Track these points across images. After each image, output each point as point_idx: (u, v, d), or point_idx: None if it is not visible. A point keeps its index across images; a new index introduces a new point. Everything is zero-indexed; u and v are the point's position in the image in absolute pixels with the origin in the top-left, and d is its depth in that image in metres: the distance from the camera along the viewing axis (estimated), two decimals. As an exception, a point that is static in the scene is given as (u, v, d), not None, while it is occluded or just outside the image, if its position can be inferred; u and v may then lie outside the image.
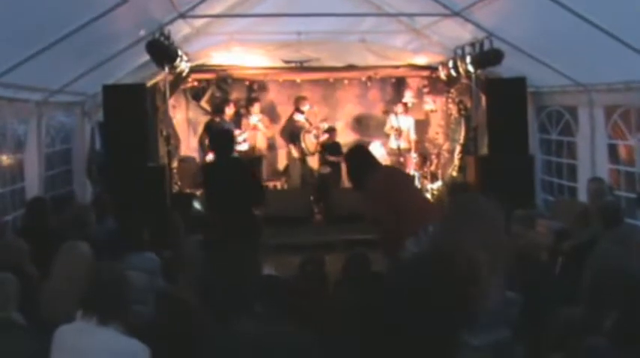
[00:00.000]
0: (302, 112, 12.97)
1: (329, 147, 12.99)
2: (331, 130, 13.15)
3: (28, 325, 4.23)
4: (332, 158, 12.85)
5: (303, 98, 13.09)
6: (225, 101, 12.80)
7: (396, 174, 6.94)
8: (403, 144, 12.90)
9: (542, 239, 6.93)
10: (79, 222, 6.38)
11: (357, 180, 6.23)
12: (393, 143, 12.98)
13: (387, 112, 13.50)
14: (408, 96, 13.91)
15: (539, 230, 7.31)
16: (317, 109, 13.44)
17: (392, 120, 13.05)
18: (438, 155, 13.56)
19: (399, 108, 13.17)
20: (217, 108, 12.88)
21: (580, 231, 6.65)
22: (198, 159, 12.95)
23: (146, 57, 8.83)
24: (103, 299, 3.65)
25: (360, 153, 6.59)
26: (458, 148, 13.24)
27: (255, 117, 12.73)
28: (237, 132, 12.16)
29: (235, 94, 13.58)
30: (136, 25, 8.27)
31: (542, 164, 10.59)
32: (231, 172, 7.44)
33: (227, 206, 7.19)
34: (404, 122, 13.03)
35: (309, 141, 12.90)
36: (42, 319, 4.45)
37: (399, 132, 12.88)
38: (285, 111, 13.67)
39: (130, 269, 4.69)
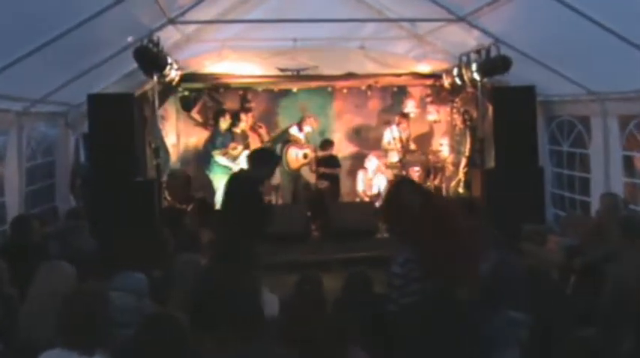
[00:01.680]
0: (301, 129, 12.95)
1: (325, 160, 12.96)
2: (328, 144, 13.11)
3: (6, 350, 4.16)
4: (326, 170, 12.83)
5: (311, 117, 13.09)
6: (221, 112, 12.74)
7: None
8: (400, 157, 12.88)
9: (553, 256, 6.92)
10: (61, 240, 6.33)
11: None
12: (393, 157, 12.95)
13: (388, 123, 13.47)
14: (410, 106, 13.87)
15: (550, 246, 7.30)
16: (314, 121, 13.36)
17: (387, 135, 13.03)
18: (442, 168, 13.51)
19: (397, 119, 13.18)
20: (210, 120, 12.86)
21: (593, 247, 6.59)
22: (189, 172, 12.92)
23: (134, 65, 8.84)
24: (85, 326, 3.59)
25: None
26: (463, 161, 13.21)
27: (242, 125, 12.75)
28: (231, 145, 12.15)
29: (228, 104, 13.54)
30: (124, 31, 8.28)
31: (553, 177, 10.58)
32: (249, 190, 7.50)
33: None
34: (404, 134, 13.02)
35: (292, 157, 12.85)
36: (21, 344, 4.39)
37: (401, 144, 12.86)
38: (280, 121, 13.68)
39: (116, 290, 4.65)
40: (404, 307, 4.19)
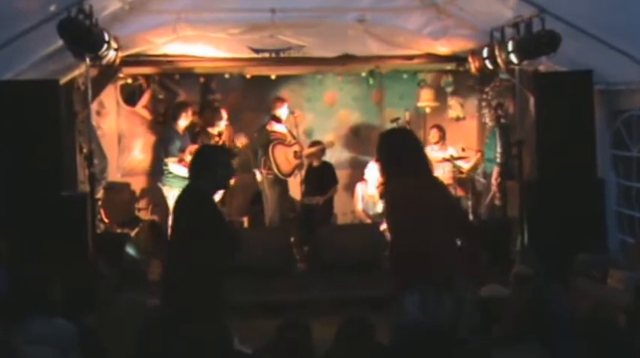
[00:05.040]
0: (280, 121, 12.87)
1: (315, 171, 12.93)
2: (318, 146, 13.07)
3: None
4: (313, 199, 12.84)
5: (280, 100, 13.02)
6: (181, 106, 12.64)
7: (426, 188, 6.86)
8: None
9: (618, 295, 6.90)
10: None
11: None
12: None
13: (396, 121, 13.46)
14: (425, 99, 13.89)
15: (613, 283, 7.30)
16: (298, 115, 13.32)
17: None
18: (471, 181, 13.46)
19: (407, 115, 13.22)
20: (160, 116, 12.81)
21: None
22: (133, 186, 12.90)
23: (59, 42, 8.77)
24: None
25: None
26: (495, 170, 13.18)
27: (222, 124, 12.66)
28: (192, 148, 12.05)
29: (184, 96, 13.50)
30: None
31: (618, 192, 10.51)
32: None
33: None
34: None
35: (282, 159, 12.75)
36: None
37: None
38: (253, 120, 13.61)
39: (33, 342, 4.64)
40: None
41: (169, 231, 7.41)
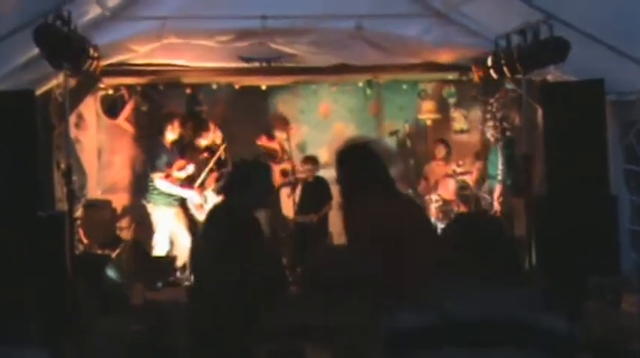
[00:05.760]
0: (273, 137, 12.87)
1: (309, 187, 12.90)
2: (310, 163, 13.05)
3: None
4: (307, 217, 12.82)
5: (285, 123, 12.99)
6: (167, 118, 12.58)
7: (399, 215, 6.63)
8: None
9: (632, 320, 6.87)
10: None
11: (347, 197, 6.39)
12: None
13: (395, 133, 13.44)
14: (426, 110, 13.88)
15: (628, 308, 7.25)
16: (291, 128, 13.30)
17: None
18: (476, 198, 13.43)
19: (406, 127, 13.21)
20: (143, 130, 12.77)
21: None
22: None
23: (35, 50, 8.75)
24: None
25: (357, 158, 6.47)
26: (497, 188, 13.16)
27: (210, 136, 12.64)
28: (180, 163, 12.01)
29: (169, 107, 13.47)
30: (20, 1, 8.13)
31: (632, 209, 10.47)
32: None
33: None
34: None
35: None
36: None
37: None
38: (242, 132, 13.58)
39: None
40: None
41: (196, 249, 7.35)
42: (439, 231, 12.47)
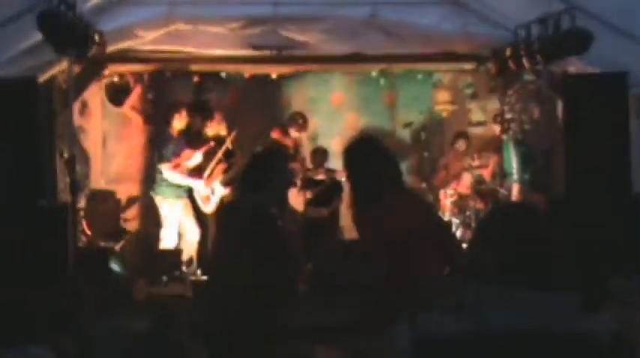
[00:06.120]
0: (287, 132, 12.84)
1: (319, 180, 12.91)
2: (320, 155, 13.07)
3: None
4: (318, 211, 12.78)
5: (300, 118, 12.96)
6: (174, 107, 12.56)
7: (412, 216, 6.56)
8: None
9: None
10: None
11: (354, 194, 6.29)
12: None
13: (409, 125, 13.43)
14: (442, 101, 13.87)
15: (650, 309, 7.21)
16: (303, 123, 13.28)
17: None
18: (494, 194, 13.39)
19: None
20: (149, 117, 12.78)
21: None
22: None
23: (38, 36, 8.72)
24: None
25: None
26: (515, 186, 13.12)
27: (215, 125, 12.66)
28: (186, 152, 11.97)
29: (176, 96, 13.46)
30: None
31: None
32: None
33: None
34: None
35: None
36: None
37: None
38: (252, 122, 13.57)
39: None
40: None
41: (213, 248, 7.22)
42: (454, 226, 12.51)
